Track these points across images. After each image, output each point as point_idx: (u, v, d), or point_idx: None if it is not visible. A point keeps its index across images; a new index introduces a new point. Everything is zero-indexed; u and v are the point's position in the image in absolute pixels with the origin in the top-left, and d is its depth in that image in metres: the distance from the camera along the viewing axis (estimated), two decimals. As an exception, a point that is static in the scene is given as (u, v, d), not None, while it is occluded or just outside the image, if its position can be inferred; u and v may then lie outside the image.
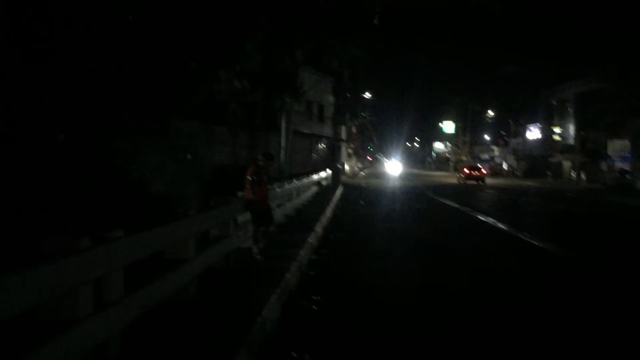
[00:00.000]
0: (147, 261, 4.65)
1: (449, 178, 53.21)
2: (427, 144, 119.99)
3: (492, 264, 9.79)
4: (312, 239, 10.96)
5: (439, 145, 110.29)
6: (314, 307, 6.46)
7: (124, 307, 4.03)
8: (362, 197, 25.40)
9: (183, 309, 5.48)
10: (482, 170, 44.73)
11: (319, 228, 12.97)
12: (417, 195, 29.23)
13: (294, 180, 14.93)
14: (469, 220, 17.05)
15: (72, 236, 3.58)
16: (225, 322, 5.13)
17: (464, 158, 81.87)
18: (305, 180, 17.90)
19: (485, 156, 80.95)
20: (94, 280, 3.65)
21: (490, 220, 16.58)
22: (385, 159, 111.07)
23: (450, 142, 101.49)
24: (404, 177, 55.09)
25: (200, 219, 6.16)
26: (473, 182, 41.66)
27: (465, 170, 44.44)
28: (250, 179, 8.06)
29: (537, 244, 11.92)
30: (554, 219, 18.75)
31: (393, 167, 77.76)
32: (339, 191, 25.96)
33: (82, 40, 10.84)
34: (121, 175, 24.61)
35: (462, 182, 42.44)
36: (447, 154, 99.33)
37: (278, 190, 11.57)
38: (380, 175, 56.36)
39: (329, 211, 17.33)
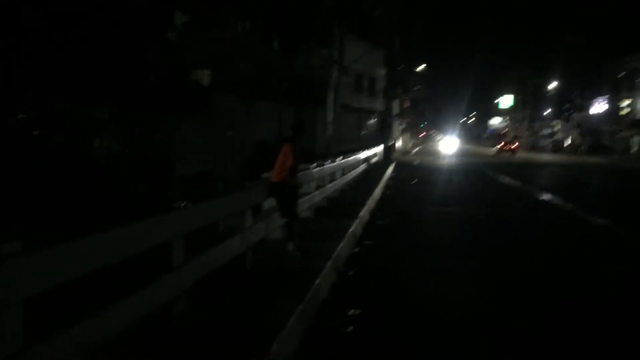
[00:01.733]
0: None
1: (511, 155, 50.36)
2: (483, 119, 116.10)
3: (582, 267, 7.95)
4: (355, 227, 9.39)
5: (495, 121, 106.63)
6: (347, 328, 4.91)
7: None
8: (415, 175, 23.53)
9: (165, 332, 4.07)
10: (513, 145, 55.50)
11: (364, 212, 11.38)
12: (473, 172, 27.08)
13: (338, 159, 13.33)
14: (535, 204, 15.06)
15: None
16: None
17: (516, 135, 78.38)
18: (351, 159, 16.28)
19: (546, 131, 77.04)
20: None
21: (558, 201, 14.59)
22: (439, 135, 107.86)
23: (507, 117, 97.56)
24: (459, 153, 52.47)
25: (195, 212, 4.71)
26: (507, 154, 51.19)
27: (501, 143, 57.20)
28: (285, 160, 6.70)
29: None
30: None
31: (449, 143, 74.70)
32: (389, 169, 24.21)
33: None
34: (159, 154, 23.68)
35: (497, 154, 51.04)
36: (504, 130, 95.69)
37: (315, 170, 10.03)
38: (434, 152, 53.83)
39: (377, 192, 15.70)
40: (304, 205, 9.24)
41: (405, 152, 52.27)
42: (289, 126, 7.08)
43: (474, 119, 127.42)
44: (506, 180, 22.17)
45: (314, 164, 9.94)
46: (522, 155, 50.27)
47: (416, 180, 21.49)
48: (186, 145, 24.84)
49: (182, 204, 4.54)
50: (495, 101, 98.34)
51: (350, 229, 8.97)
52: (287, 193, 6.84)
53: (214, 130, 24.74)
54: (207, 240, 5.34)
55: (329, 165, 11.73)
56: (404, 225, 11.08)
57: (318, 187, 10.83)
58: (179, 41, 22.61)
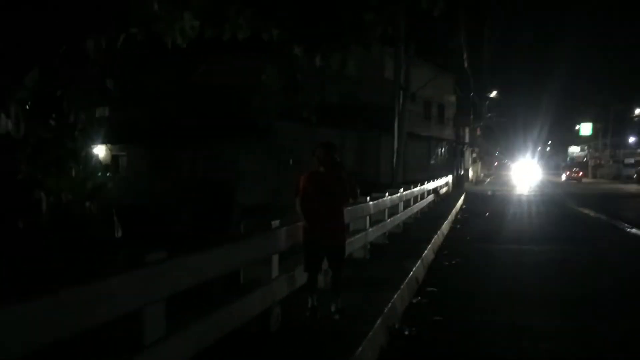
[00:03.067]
0: None
1: (590, 185, 47.00)
2: (561, 148, 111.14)
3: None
4: (416, 271, 8.05)
5: (574, 149, 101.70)
6: None
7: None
8: (488, 208, 21.72)
9: None
10: (580, 172, 60.97)
11: (429, 251, 10.00)
12: (553, 204, 24.83)
13: (400, 190, 12.04)
14: (625, 242, 13.10)
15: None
16: None
17: (598, 163, 73.97)
18: (416, 190, 14.90)
19: (631, 160, 72.22)
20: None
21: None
22: (512, 164, 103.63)
23: (587, 146, 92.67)
24: (537, 184, 49.38)
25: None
26: (574, 181, 54.82)
27: (567, 172, 61.75)
28: (299, 193, 5.37)
29: None
30: None
31: (528, 172, 70.07)
32: (460, 201, 22.55)
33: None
34: (218, 184, 23.02)
35: (564, 180, 56.06)
36: (584, 159, 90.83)
37: (371, 204, 8.79)
38: (509, 182, 50.94)
39: (445, 226, 14.23)
40: (357, 244, 8.02)
41: (477, 181, 49.86)
42: (321, 146, 5.66)
43: (549, 148, 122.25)
44: (590, 213, 20.00)
45: (367, 197, 8.71)
46: (605, 186, 46.72)
47: (489, 213, 19.73)
48: (247, 174, 24.29)
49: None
50: (576, 128, 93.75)
51: (411, 274, 7.64)
52: (317, 241, 5.35)
53: (276, 158, 24.02)
54: (220, 296, 4.25)
55: (388, 197, 10.47)
56: (473, 267, 9.61)
57: (376, 222, 9.58)
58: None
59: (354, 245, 7.81)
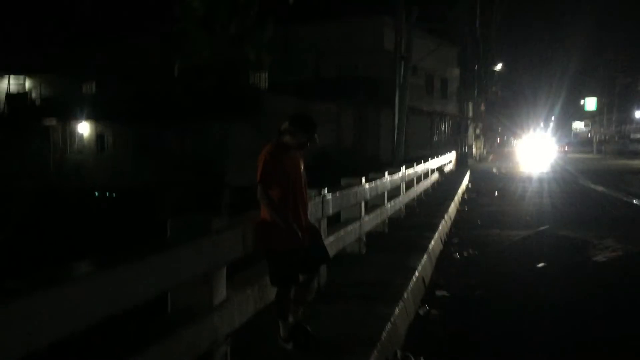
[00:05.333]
0: None
1: (600, 160, 45.29)
2: (566, 123, 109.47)
3: None
4: (422, 270, 6.55)
5: (578, 125, 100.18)
6: None
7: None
8: (497, 187, 20.14)
9: None
10: (565, 146, 63.51)
11: (435, 242, 8.50)
12: (566, 183, 23.14)
13: (402, 169, 10.47)
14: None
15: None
16: None
17: (603, 139, 72.45)
18: (419, 168, 13.34)
19: (637, 135, 70.70)
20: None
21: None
22: (522, 139, 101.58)
23: (592, 121, 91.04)
24: (543, 160, 47.52)
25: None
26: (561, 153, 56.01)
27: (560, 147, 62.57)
28: (262, 176, 3.75)
29: None
30: None
31: (540, 148, 64.73)
32: (465, 179, 20.99)
33: None
34: (207, 163, 21.48)
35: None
36: (588, 134, 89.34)
37: (367, 187, 7.23)
38: (514, 159, 49.06)
39: (452, 209, 12.71)
40: (350, 237, 6.50)
41: (480, 159, 48.12)
42: (287, 121, 4.07)
43: (552, 123, 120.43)
44: (605, 191, 18.40)
45: (362, 179, 7.14)
46: (612, 161, 44.97)
47: (497, 192, 18.19)
48: (238, 153, 22.70)
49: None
50: (581, 103, 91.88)
51: (415, 274, 6.14)
52: (263, 241, 3.84)
53: (268, 135, 22.46)
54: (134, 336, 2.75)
55: (388, 178, 8.91)
56: (491, 261, 8.10)
57: (373, 208, 8.05)
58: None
59: (346, 239, 6.29)
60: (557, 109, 78.48)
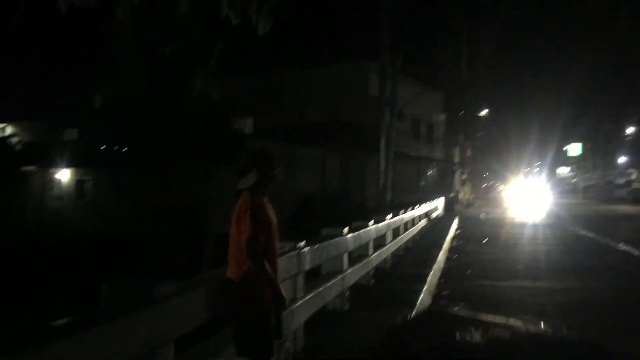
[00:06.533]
0: None
1: (585, 206, 45.16)
2: (549, 169, 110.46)
3: None
4: (408, 331, 5.98)
5: (562, 170, 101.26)
6: None
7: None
8: (485, 233, 19.65)
9: None
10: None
11: (425, 294, 7.95)
12: (558, 229, 22.56)
13: (387, 217, 10.00)
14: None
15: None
16: None
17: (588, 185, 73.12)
18: (406, 215, 12.88)
19: (621, 181, 71.09)
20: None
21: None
22: (503, 186, 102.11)
23: (576, 166, 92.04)
24: (529, 206, 47.20)
25: None
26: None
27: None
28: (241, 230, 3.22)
29: None
30: None
31: (535, 194, 62.96)
32: (453, 225, 20.53)
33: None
34: (190, 210, 20.83)
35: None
36: (572, 180, 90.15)
37: (349, 237, 6.72)
38: (502, 205, 48.64)
39: (440, 258, 12.19)
40: (330, 293, 5.95)
41: (467, 204, 47.80)
42: (247, 158, 3.59)
43: (537, 169, 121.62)
44: (596, 237, 17.97)
45: (346, 229, 6.65)
46: (600, 207, 44.80)
47: (487, 239, 17.70)
48: (222, 198, 22.19)
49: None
50: (564, 148, 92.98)
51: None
52: (251, 303, 3.31)
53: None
54: None
55: (373, 226, 8.43)
56: (483, 310, 7.53)
57: (357, 259, 7.53)
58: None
59: (326, 295, 5.74)
60: (548, 153, 79.25)
